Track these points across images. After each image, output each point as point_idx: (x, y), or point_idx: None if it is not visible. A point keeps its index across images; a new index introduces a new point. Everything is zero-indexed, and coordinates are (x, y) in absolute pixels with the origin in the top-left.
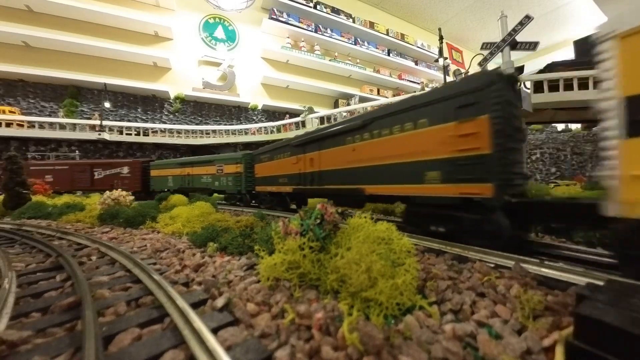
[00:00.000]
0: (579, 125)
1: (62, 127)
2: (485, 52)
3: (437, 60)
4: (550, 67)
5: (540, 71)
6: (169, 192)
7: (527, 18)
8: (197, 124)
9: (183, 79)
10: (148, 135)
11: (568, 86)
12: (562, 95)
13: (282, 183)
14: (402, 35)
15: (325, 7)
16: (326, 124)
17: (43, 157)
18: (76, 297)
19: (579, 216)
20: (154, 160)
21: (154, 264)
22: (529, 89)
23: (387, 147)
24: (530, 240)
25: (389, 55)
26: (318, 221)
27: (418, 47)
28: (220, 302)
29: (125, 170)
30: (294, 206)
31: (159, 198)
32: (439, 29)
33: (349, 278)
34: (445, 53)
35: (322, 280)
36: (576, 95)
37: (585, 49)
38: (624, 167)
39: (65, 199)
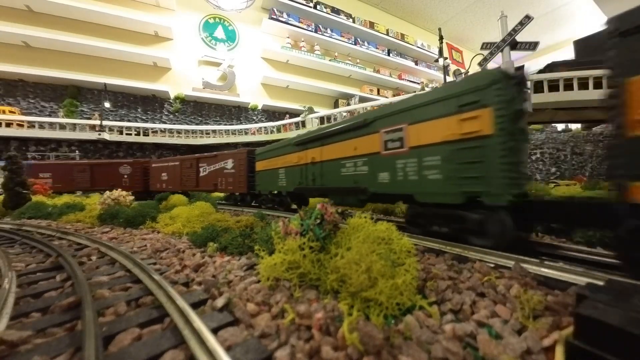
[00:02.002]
0: (579, 126)
1: (62, 127)
2: (485, 52)
3: (437, 60)
4: (550, 67)
5: (540, 71)
6: (279, 197)
7: (527, 18)
8: (197, 124)
9: (183, 79)
10: (148, 135)
11: (568, 86)
12: (561, 95)
13: None
14: (402, 35)
15: (325, 7)
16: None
17: (43, 157)
18: (76, 297)
19: (581, 216)
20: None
21: (154, 264)
22: (529, 88)
23: None
24: (531, 240)
25: (389, 55)
26: (318, 221)
27: (418, 47)
28: (220, 302)
29: (230, 164)
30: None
31: (159, 198)
32: (439, 29)
33: (349, 278)
34: (445, 53)
35: (322, 280)
36: (576, 95)
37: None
38: None
39: (65, 199)
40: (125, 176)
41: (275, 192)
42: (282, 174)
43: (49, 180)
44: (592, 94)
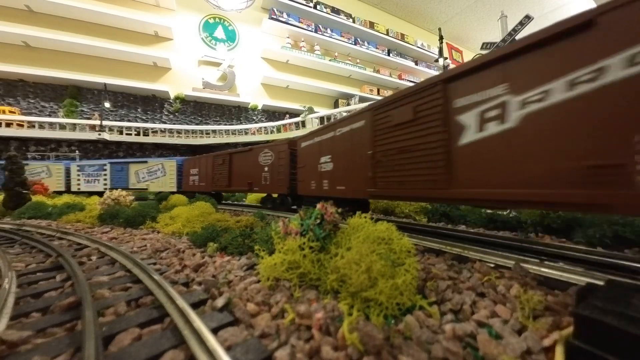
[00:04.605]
0: None
1: (62, 127)
2: (485, 52)
3: (437, 60)
4: None
5: None
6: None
7: (527, 18)
8: (197, 124)
9: (183, 79)
10: (148, 135)
11: None
12: None
13: None
14: (402, 35)
15: (325, 7)
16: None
17: (43, 157)
18: (76, 297)
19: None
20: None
21: (154, 264)
22: None
23: None
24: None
25: (389, 55)
26: (318, 221)
27: (418, 47)
28: (220, 302)
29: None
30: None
31: (159, 198)
32: (439, 29)
33: (349, 278)
34: (445, 53)
35: (322, 280)
36: None
37: None
38: None
39: (65, 199)
40: (266, 169)
41: None
42: None
43: (195, 178)
44: None
